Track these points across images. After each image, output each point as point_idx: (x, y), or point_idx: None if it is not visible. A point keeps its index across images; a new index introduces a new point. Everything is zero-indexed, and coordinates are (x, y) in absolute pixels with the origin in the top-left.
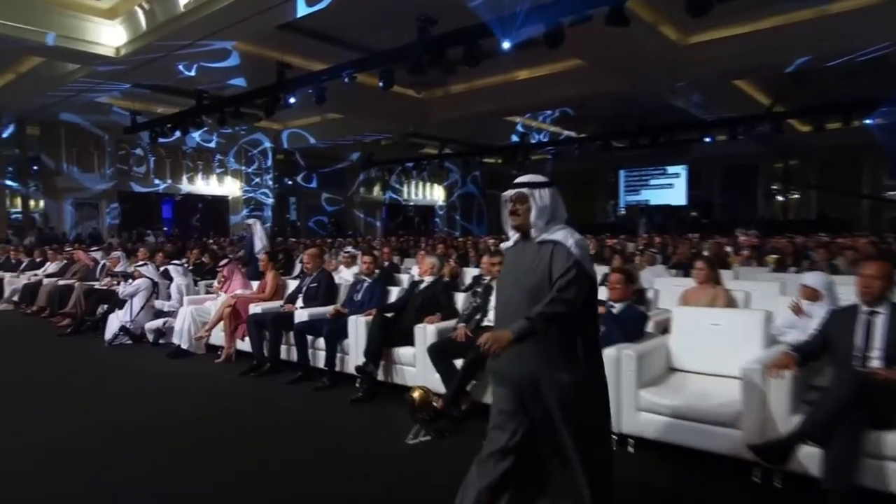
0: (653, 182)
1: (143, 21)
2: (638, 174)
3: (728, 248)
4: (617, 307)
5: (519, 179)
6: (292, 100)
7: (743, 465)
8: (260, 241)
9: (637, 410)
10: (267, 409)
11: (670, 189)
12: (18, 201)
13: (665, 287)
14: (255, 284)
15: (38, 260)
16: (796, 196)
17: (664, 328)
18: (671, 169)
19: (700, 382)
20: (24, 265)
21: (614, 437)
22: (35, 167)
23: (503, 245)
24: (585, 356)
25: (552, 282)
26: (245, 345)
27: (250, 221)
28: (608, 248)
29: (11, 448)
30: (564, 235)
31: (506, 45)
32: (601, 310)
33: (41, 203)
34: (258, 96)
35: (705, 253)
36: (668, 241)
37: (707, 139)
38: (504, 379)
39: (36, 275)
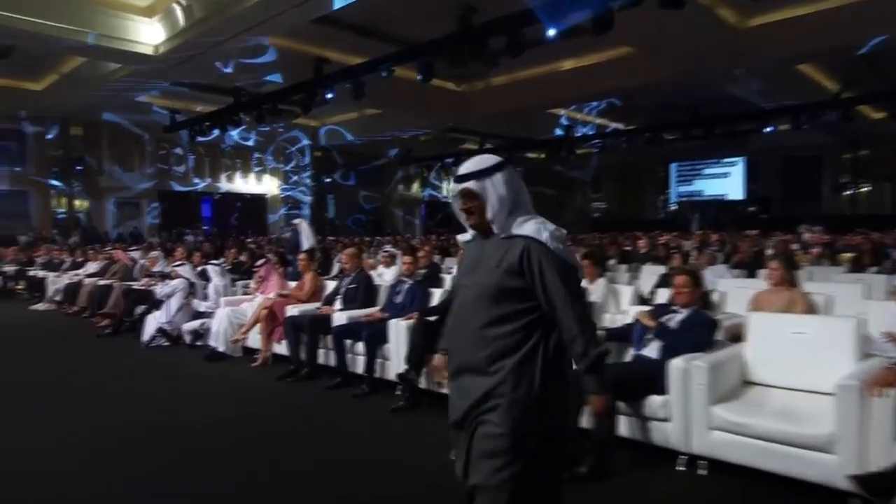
0: (707, 171)
1: (181, 18)
2: (690, 166)
3: (794, 246)
4: (683, 313)
5: (463, 169)
6: (330, 95)
7: (836, 496)
8: (307, 241)
9: (709, 429)
10: (302, 415)
11: (725, 179)
12: (63, 201)
13: (730, 289)
14: (294, 285)
15: (79, 260)
16: (866, 189)
17: (734, 336)
18: (727, 161)
19: (782, 398)
20: (66, 265)
21: (685, 457)
22: (79, 167)
23: (460, 238)
24: (545, 368)
25: (536, 287)
26: (282, 348)
27: (297, 221)
28: (662, 247)
29: (39, 448)
30: (536, 228)
31: (551, 32)
32: (651, 323)
33: (85, 203)
34: (295, 92)
35: (769, 251)
36: (726, 238)
37: (767, 129)
38: (455, 406)
39: (77, 274)
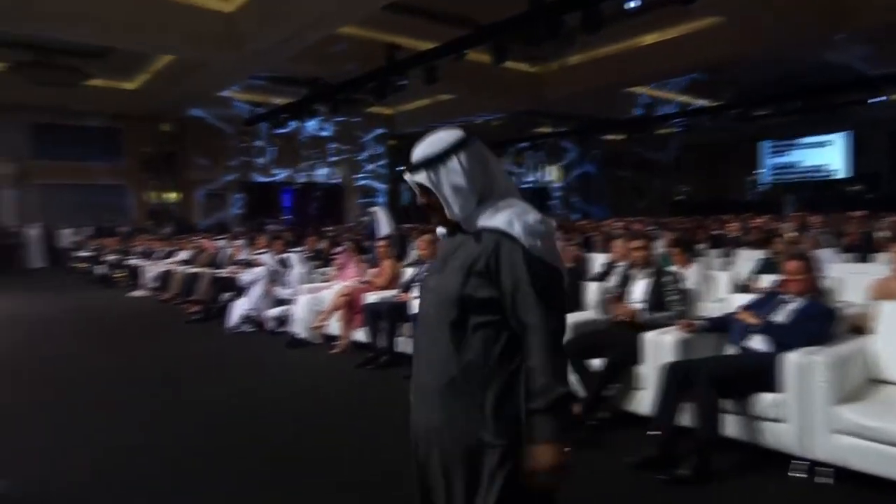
0: (804, 141)
1: (260, 10)
2: (783, 144)
3: None
4: (796, 302)
5: (414, 156)
6: (403, 82)
7: None
8: (385, 228)
9: (832, 432)
10: (381, 404)
11: (825, 150)
12: (156, 194)
13: (844, 275)
14: (372, 272)
15: (171, 249)
16: None
17: (855, 327)
18: (826, 133)
19: None
20: (159, 254)
21: (802, 462)
22: (170, 161)
23: (439, 230)
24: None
25: (506, 297)
26: (362, 335)
27: (374, 209)
28: (755, 230)
29: (125, 423)
30: (507, 219)
31: (631, 4)
32: (755, 321)
33: (176, 195)
34: (368, 81)
35: (882, 233)
36: (829, 220)
37: (875, 100)
38: (412, 429)
39: (170, 263)
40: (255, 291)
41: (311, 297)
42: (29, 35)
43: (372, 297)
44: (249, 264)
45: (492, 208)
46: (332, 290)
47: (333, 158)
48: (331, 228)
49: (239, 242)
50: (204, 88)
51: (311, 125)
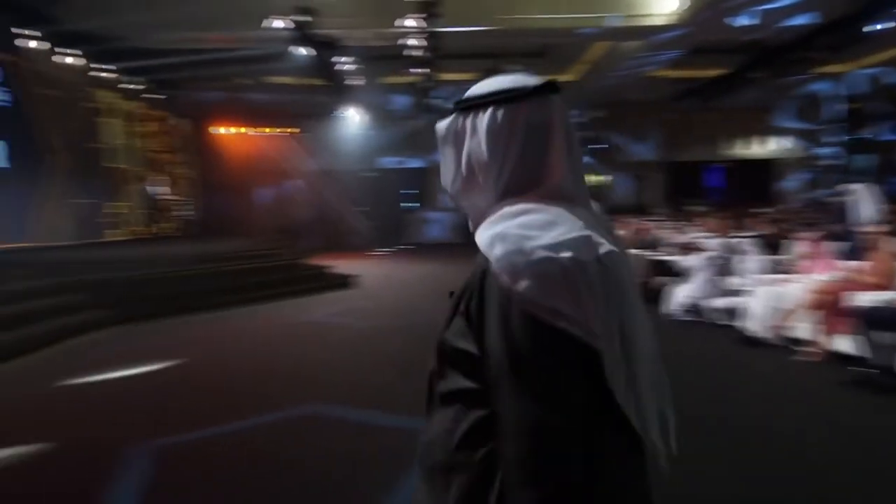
0: None
1: None
2: None
3: None
4: None
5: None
6: (874, 28)
7: None
8: (869, 210)
9: None
10: (869, 437)
11: None
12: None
13: None
14: (848, 265)
15: None
16: None
17: None
18: None
19: None
20: None
21: None
22: (598, 145)
23: None
24: None
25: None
26: (845, 344)
27: (853, 186)
28: None
29: None
30: (492, 235)
31: None
32: None
33: (605, 177)
34: (826, 32)
35: None
36: None
37: None
38: None
39: None
40: (700, 278)
41: (770, 291)
42: (487, 45)
43: (867, 299)
44: (690, 248)
45: (505, 210)
46: (800, 285)
47: (770, 132)
48: (768, 209)
49: (677, 224)
50: (634, 70)
51: (746, 94)
